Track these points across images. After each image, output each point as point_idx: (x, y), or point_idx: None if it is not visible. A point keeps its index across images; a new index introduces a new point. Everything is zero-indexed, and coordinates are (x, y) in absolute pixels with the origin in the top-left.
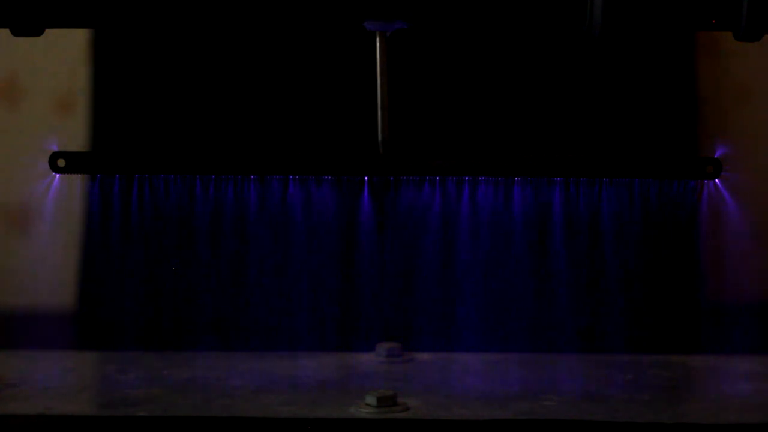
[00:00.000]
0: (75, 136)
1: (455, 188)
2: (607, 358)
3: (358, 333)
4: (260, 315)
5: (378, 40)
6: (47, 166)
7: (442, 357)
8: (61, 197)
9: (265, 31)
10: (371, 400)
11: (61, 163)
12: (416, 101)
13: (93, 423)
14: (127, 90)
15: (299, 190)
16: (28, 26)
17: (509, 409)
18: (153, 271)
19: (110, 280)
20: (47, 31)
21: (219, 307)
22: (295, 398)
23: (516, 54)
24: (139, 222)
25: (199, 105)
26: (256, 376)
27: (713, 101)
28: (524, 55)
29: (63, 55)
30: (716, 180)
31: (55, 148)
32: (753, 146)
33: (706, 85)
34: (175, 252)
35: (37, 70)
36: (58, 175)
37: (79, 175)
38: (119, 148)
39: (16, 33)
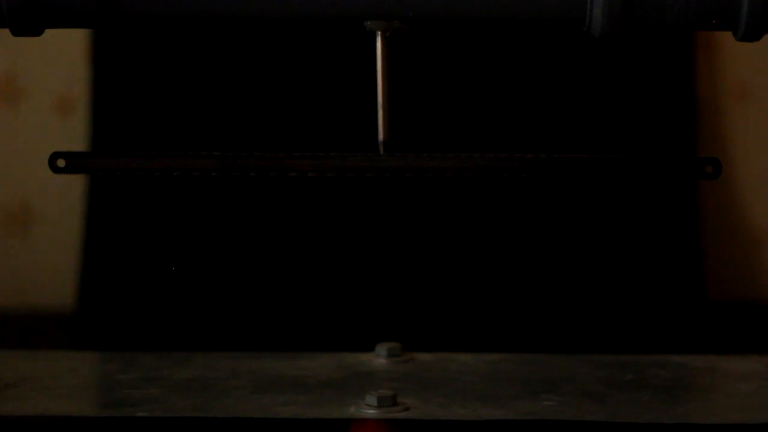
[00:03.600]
0: (75, 136)
1: (454, 188)
2: (605, 359)
3: (358, 332)
4: (260, 315)
5: (378, 40)
6: (47, 166)
7: (441, 357)
8: (61, 197)
9: (265, 29)
10: (371, 400)
11: (60, 163)
12: (416, 101)
13: (93, 423)
14: (127, 90)
15: (297, 190)
16: (27, 26)
17: (509, 409)
18: (152, 272)
19: (110, 281)
20: (47, 31)
21: (218, 307)
22: (295, 398)
23: (515, 55)
24: (139, 222)
25: (199, 105)
26: (256, 377)
27: (712, 101)
28: (523, 56)
29: (63, 56)
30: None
31: (55, 149)
32: (752, 146)
33: (704, 85)
34: (174, 252)
35: (36, 71)
36: (58, 175)
37: (79, 175)
38: (119, 148)
39: (16, 33)
